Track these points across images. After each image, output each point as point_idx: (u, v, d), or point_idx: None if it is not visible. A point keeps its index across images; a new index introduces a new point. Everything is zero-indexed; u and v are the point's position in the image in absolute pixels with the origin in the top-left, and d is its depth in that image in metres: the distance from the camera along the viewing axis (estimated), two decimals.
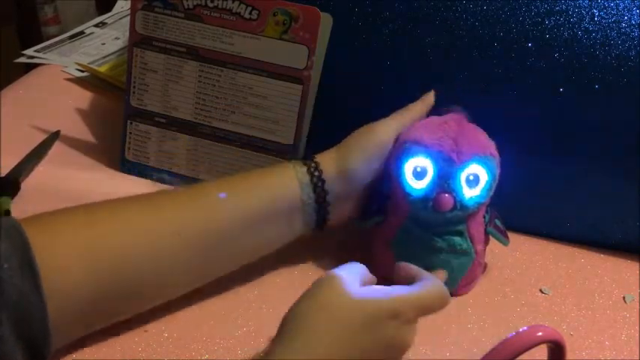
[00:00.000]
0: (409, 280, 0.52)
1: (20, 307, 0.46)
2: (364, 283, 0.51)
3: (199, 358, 0.55)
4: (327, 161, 0.60)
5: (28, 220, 0.50)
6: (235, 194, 0.58)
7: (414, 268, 0.54)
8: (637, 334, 0.60)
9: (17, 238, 0.47)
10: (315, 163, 0.60)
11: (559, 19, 0.64)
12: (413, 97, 0.68)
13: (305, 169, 0.60)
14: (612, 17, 0.63)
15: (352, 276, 0.49)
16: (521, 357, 0.42)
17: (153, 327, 0.57)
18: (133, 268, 0.53)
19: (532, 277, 0.66)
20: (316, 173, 0.59)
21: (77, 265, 0.50)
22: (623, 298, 0.64)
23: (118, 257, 0.52)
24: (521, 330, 0.42)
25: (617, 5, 0.63)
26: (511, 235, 0.66)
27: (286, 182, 0.59)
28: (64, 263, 0.50)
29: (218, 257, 0.58)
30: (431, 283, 0.51)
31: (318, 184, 0.59)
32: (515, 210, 0.69)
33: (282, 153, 0.70)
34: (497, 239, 0.63)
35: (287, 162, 0.61)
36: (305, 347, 0.46)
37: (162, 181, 0.75)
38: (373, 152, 0.61)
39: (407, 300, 0.49)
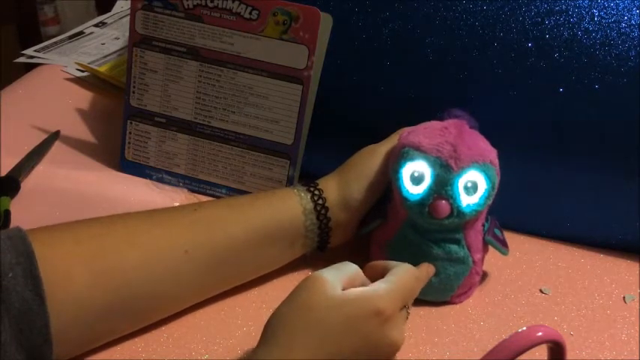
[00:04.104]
0: (379, 277, 0.52)
1: (23, 315, 0.46)
2: (353, 284, 0.51)
3: (199, 358, 0.55)
4: (330, 188, 0.62)
5: (36, 232, 0.50)
6: (242, 216, 0.59)
7: (379, 264, 0.54)
8: (637, 334, 0.60)
9: (22, 248, 0.48)
10: (319, 190, 0.61)
11: (559, 19, 0.64)
12: (412, 98, 0.68)
13: (309, 196, 0.61)
14: (612, 17, 0.63)
15: (336, 277, 0.49)
16: (521, 357, 0.42)
17: (153, 327, 0.57)
18: (138, 282, 0.53)
19: (532, 277, 0.66)
20: (320, 201, 0.61)
21: (81, 277, 0.50)
22: (623, 298, 0.64)
23: (122, 271, 0.52)
24: (521, 330, 0.42)
25: (617, 5, 0.63)
26: (511, 235, 0.66)
27: (290, 208, 0.60)
28: (68, 274, 0.50)
29: (221, 275, 0.59)
30: (400, 270, 0.52)
31: (321, 211, 0.61)
32: (515, 210, 0.69)
33: (282, 153, 0.70)
34: (496, 249, 0.63)
35: (291, 187, 0.63)
36: (283, 349, 0.46)
37: (161, 180, 0.75)
38: (374, 179, 0.62)
39: (384, 296, 0.49)
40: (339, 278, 0.50)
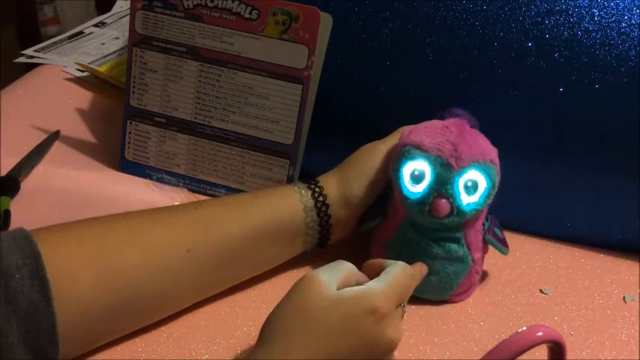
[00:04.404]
0: (377, 276, 0.52)
1: (30, 316, 0.46)
2: (349, 282, 0.51)
3: (199, 358, 0.55)
4: (331, 186, 0.62)
5: (39, 232, 0.50)
6: (242, 214, 0.59)
7: (377, 263, 0.54)
8: (637, 334, 0.60)
9: (28, 249, 0.48)
10: (320, 187, 0.62)
11: (559, 19, 0.64)
12: (412, 97, 0.68)
13: (309, 193, 0.61)
14: (612, 17, 0.63)
15: (331, 276, 0.50)
16: (521, 357, 0.42)
17: (153, 327, 0.57)
18: (141, 282, 0.53)
19: (532, 277, 0.66)
20: (320, 198, 0.61)
21: (86, 278, 0.51)
22: (623, 298, 0.64)
23: (124, 272, 0.53)
24: (521, 330, 0.42)
25: (617, 5, 0.63)
26: (511, 235, 0.66)
27: (291, 206, 0.60)
28: (73, 275, 0.50)
29: (222, 274, 0.59)
30: (395, 269, 0.52)
31: (322, 208, 0.61)
32: (515, 210, 0.69)
33: (282, 153, 0.70)
34: (496, 248, 0.62)
35: (292, 185, 0.63)
36: (281, 350, 0.47)
37: (161, 180, 0.75)
38: (374, 177, 0.62)
39: (379, 294, 0.49)
40: (334, 277, 0.50)
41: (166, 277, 0.55)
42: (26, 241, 0.48)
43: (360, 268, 0.54)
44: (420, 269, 0.58)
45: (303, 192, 0.61)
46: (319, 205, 0.61)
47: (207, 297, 0.60)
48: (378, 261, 0.55)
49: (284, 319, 0.48)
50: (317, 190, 0.61)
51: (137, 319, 0.55)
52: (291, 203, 0.60)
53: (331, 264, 0.52)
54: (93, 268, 0.51)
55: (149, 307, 0.55)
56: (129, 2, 0.72)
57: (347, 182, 0.62)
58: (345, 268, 0.51)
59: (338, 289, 0.49)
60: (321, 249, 0.64)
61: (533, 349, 0.42)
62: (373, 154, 0.62)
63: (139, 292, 0.53)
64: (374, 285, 0.50)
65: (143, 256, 0.54)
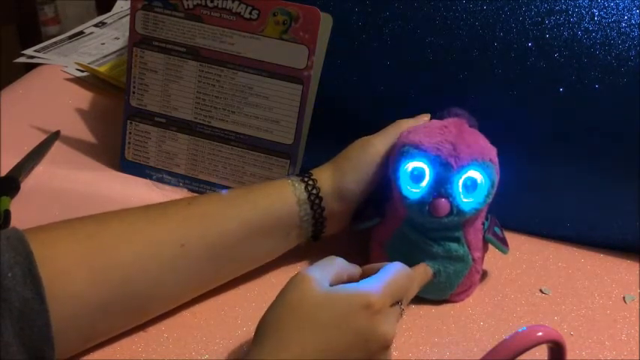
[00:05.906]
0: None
1: (23, 315, 0.46)
2: (341, 278, 0.51)
3: (199, 358, 0.55)
4: (324, 179, 0.62)
5: (31, 231, 0.50)
6: (237, 208, 0.59)
7: (376, 266, 0.54)
8: (637, 334, 0.60)
9: (21, 248, 0.48)
10: (313, 180, 0.62)
11: (559, 19, 0.64)
12: (412, 97, 0.68)
13: (303, 186, 0.61)
14: (612, 17, 0.63)
15: (322, 273, 0.50)
16: (521, 357, 0.42)
17: (153, 327, 0.57)
18: (136, 278, 0.53)
19: (532, 277, 0.66)
20: (314, 191, 0.61)
21: (79, 275, 0.51)
22: (623, 298, 0.64)
23: (120, 267, 0.53)
24: (521, 330, 0.42)
25: (617, 5, 0.63)
26: (511, 235, 0.66)
27: (285, 199, 0.60)
28: (67, 273, 0.50)
29: (218, 268, 0.59)
30: (392, 268, 0.52)
31: (315, 201, 0.61)
32: (515, 210, 0.69)
33: (282, 153, 0.70)
34: (496, 247, 0.62)
35: (285, 178, 0.63)
36: (277, 348, 0.47)
37: (161, 180, 0.75)
38: (367, 171, 0.62)
39: (372, 289, 0.49)
40: (326, 274, 0.50)
41: (162, 272, 0.55)
42: (19, 240, 0.48)
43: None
44: (425, 271, 0.58)
45: (296, 185, 0.61)
46: (312, 198, 0.61)
47: (203, 293, 0.60)
48: (378, 264, 0.55)
49: (277, 318, 0.48)
50: (310, 182, 0.61)
51: (133, 316, 0.55)
52: (284, 196, 0.60)
53: (322, 261, 0.52)
54: (87, 266, 0.51)
55: (144, 303, 0.55)
56: (129, 2, 0.72)
57: (341, 175, 0.62)
58: (335, 264, 0.52)
59: (330, 285, 0.50)
60: (315, 243, 0.64)
61: (533, 349, 0.42)
62: (367, 148, 0.62)
63: (133, 289, 0.53)
64: (367, 282, 0.50)
65: (137, 253, 0.54)
